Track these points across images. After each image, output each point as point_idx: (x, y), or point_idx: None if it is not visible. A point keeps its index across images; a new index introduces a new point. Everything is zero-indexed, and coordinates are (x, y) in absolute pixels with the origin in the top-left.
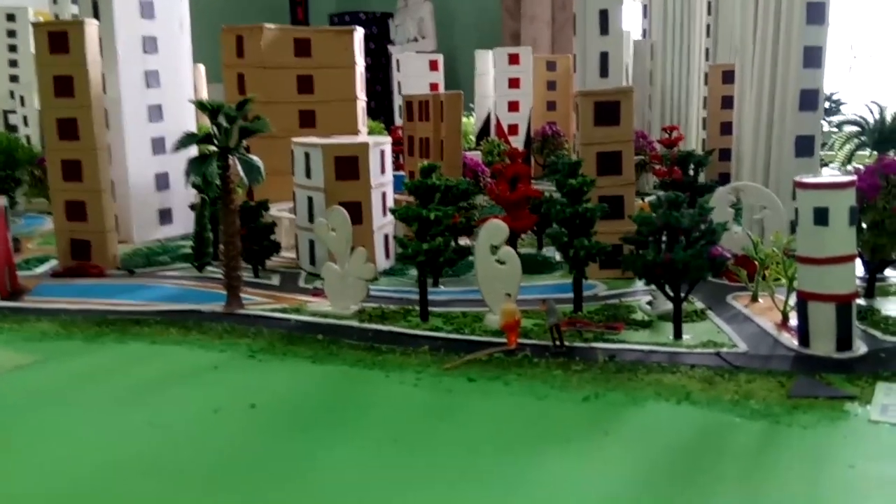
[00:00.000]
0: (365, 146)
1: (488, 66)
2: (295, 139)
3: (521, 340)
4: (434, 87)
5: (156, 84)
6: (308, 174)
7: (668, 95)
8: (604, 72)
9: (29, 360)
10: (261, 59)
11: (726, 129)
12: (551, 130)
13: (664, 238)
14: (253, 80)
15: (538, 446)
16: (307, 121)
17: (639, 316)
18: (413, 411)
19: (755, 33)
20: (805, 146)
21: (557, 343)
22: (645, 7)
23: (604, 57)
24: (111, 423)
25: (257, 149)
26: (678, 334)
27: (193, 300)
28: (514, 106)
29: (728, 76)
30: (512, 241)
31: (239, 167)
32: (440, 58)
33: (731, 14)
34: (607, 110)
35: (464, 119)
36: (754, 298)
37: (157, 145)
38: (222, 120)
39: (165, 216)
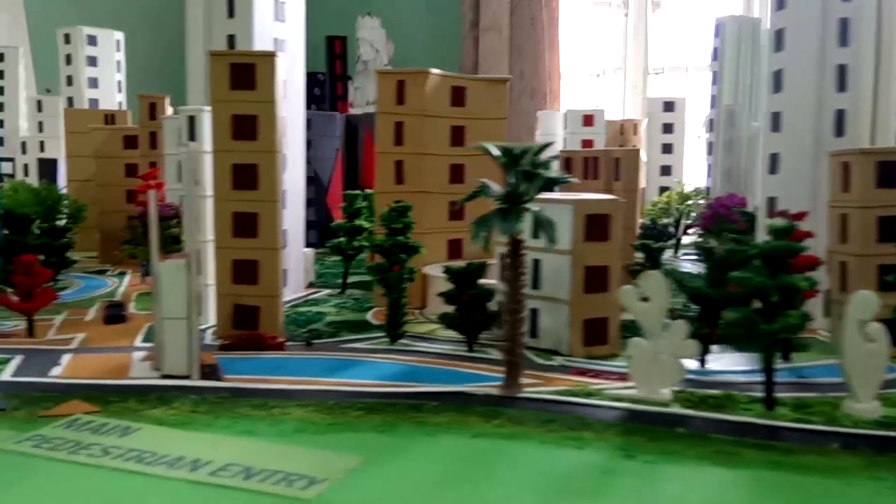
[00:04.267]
0: (617, 202)
1: (555, 127)
2: None
3: None
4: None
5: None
6: (536, 234)
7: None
8: (839, 131)
9: (353, 461)
10: (423, 107)
11: None
12: None
13: None
14: (412, 130)
15: None
16: (457, 175)
17: None
18: None
19: None
20: None
21: None
22: (714, 74)
23: (839, 114)
24: None
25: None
26: None
27: (433, 379)
28: None
29: None
30: None
31: (542, 225)
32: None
33: None
34: (891, 171)
35: None
36: None
37: (285, 199)
38: (526, 168)
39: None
